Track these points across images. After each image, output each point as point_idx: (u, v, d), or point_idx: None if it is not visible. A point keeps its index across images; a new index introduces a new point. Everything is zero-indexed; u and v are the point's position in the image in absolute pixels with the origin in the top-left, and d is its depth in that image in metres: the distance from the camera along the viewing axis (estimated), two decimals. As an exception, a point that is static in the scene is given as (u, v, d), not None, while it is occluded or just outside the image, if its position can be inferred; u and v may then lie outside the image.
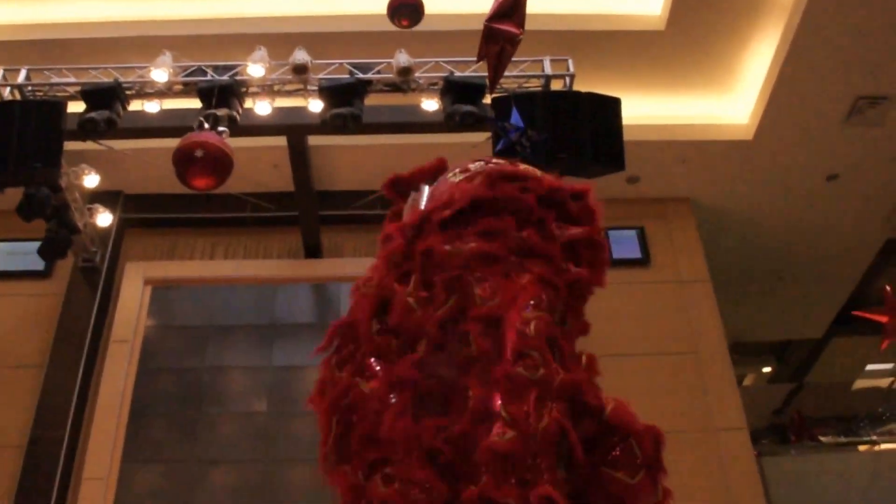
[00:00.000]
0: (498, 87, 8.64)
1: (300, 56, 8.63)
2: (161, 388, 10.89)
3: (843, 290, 15.22)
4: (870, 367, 17.44)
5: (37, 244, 9.88)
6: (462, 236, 3.27)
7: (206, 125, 8.09)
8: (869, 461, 11.82)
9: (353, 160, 11.36)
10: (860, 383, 17.28)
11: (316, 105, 8.92)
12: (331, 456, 2.96)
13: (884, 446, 11.87)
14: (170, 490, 10.19)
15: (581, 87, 8.88)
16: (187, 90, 8.77)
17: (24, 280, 11.26)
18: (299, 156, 10.38)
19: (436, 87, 8.96)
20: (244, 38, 9.46)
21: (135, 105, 8.94)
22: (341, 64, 8.93)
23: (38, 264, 10.90)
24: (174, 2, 10.11)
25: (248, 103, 8.94)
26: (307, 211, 11.21)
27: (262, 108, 8.97)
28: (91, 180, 9.94)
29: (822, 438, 13.11)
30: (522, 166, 3.64)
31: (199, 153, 7.41)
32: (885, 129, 11.20)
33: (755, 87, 10.91)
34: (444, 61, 8.95)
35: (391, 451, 2.74)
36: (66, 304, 10.90)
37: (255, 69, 8.67)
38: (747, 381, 19.10)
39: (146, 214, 11.72)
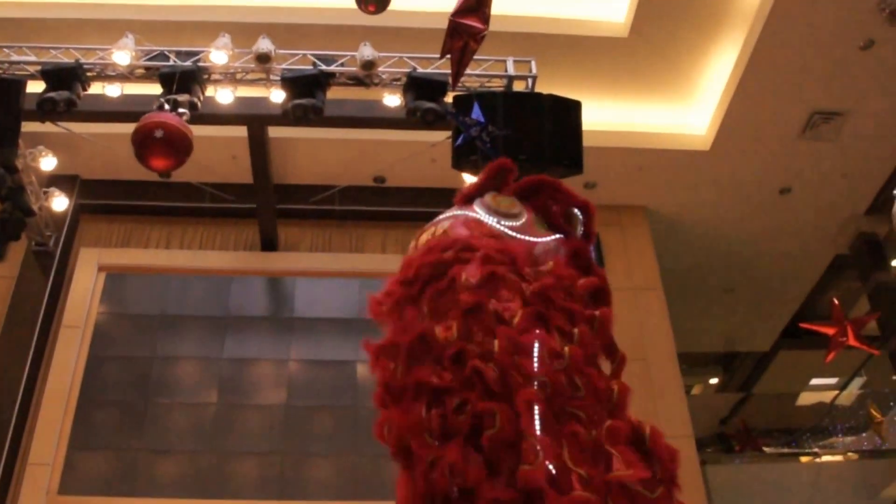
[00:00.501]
0: (460, 85, 8.71)
1: (264, 45, 8.64)
2: (111, 375, 10.80)
3: (791, 304, 15.45)
4: (815, 381, 17.71)
5: (-10, 226, 9.77)
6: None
7: (167, 107, 8.05)
8: (810, 472, 12.02)
9: (312, 154, 11.37)
10: (805, 396, 17.55)
11: (278, 95, 8.93)
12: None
13: (825, 458, 12.08)
14: (116, 478, 10.10)
15: (543, 89, 8.95)
16: (149, 74, 8.74)
17: (-25, 262, 11.12)
18: (259, 147, 10.38)
19: (398, 83, 9.00)
20: (209, 25, 9.46)
21: (95, 88, 8.90)
22: (305, 55, 8.95)
23: (-9, 246, 10.76)
24: (140, -14, 10.11)
25: (209, 91, 8.93)
26: (265, 203, 11.20)
27: (223, 96, 8.95)
28: (48, 163, 9.87)
29: (766, 449, 13.31)
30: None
31: (158, 133, 7.38)
32: (839, 145, 11.42)
33: (714, 98, 11.09)
34: (407, 57, 9.00)
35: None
36: (17, 287, 10.78)
37: (218, 56, 8.65)
38: (695, 391, 19.30)
39: (103, 200, 11.65)
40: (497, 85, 9.16)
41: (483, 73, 9.13)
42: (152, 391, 10.74)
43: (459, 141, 7.05)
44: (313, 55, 8.94)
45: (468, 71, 8.46)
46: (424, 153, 10.38)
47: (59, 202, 10.53)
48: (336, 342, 11.33)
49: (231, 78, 8.93)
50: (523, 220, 3.29)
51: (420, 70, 8.93)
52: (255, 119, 9.70)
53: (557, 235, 3.31)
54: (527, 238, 3.23)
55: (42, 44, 9.09)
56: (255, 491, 10.19)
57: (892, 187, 10.62)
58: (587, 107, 8.91)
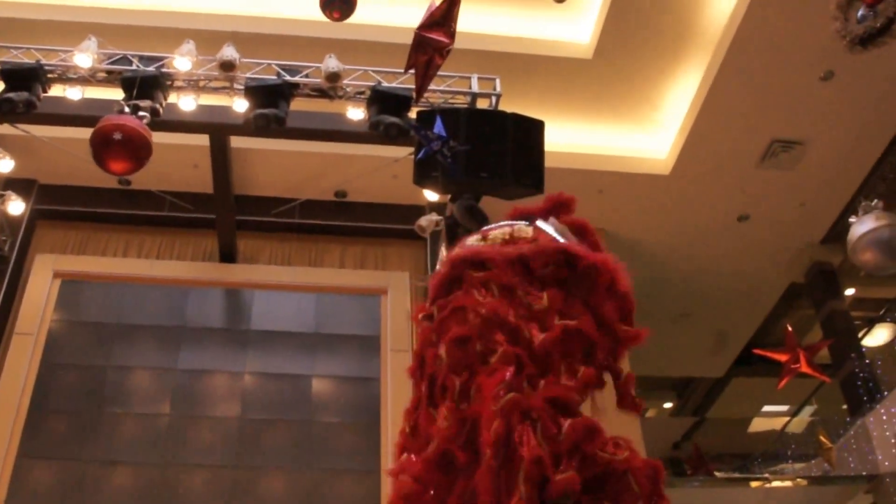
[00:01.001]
0: (424, 100, 8.72)
1: (228, 52, 8.60)
2: (63, 384, 10.64)
3: (746, 331, 15.59)
4: (767, 407, 17.91)
5: (-57, 227, 9.65)
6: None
7: (127, 109, 7.98)
8: (760, 497, 12.10)
9: (274, 166, 11.34)
10: (757, 422, 17.70)
11: (241, 104, 8.88)
12: None
13: (775, 484, 12.15)
14: (65, 489, 9.93)
15: (506, 108, 8.92)
16: (111, 78, 8.65)
17: (-73, 265, 10.95)
18: (220, 157, 10.31)
19: (362, 97, 9.00)
20: (174, 31, 9.43)
21: (56, 90, 8.80)
22: (269, 64, 8.92)
23: (-56, 249, 10.62)
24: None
25: (172, 97, 8.86)
26: (225, 214, 11.12)
27: (186, 103, 8.89)
28: (5, 165, 9.74)
29: (717, 473, 13.38)
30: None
31: (117, 136, 7.31)
32: (797, 174, 11.58)
33: (675, 123, 11.21)
34: (373, 70, 9.00)
35: None
36: (-31, 292, 10.63)
37: (182, 62, 8.60)
38: (649, 415, 19.39)
39: (60, 206, 11.52)
40: (461, 101, 9.18)
41: (447, 89, 9.16)
42: (105, 401, 10.59)
43: (420, 155, 7.05)
44: (278, 65, 8.92)
45: (432, 86, 8.50)
46: (386, 168, 10.39)
47: (15, 206, 10.38)
48: (292, 356, 11.27)
49: (194, 85, 8.88)
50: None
51: (385, 84, 8.94)
52: (217, 128, 9.63)
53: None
54: None
55: (2, 43, 8.98)
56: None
57: (848, 217, 10.78)
58: (550, 127, 8.83)
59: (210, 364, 11.12)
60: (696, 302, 14.45)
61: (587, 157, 11.41)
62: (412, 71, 6.58)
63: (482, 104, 9.23)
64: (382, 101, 8.81)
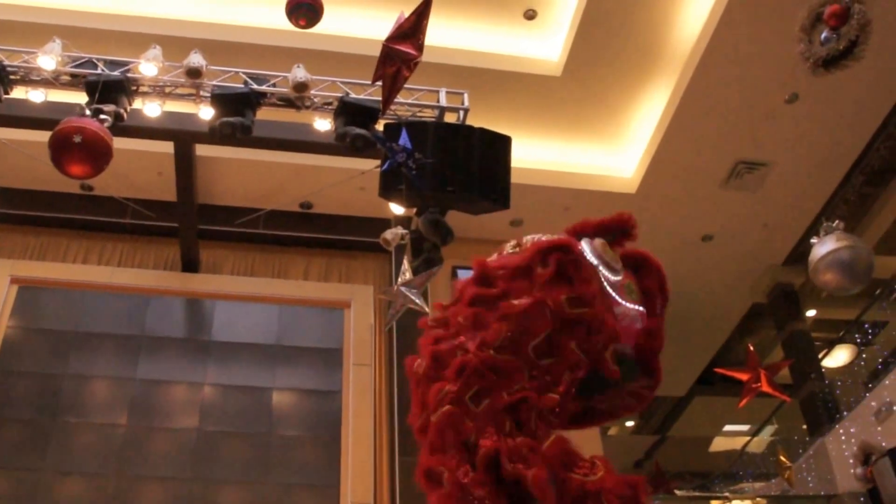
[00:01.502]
0: (392, 113, 8.69)
1: (195, 59, 8.49)
2: (18, 391, 10.49)
3: (708, 350, 15.67)
4: (728, 427, 17.98)
5: None
6: None
7: (88, 112, 7.84)
8: (720, 515, 12.16)
9: (239, 175, 11.26)
10: (718, 441, 17.79)
11: (206, 112, 8.76)
12: None
13: (735, 503, 12.22)
14: (18, 498, 9.77)
15: (474, 122, 8.94)
16: (75, 82, 8.49)
17: None
18: (185, 164, 10.22)
19: (330, 108, 8.92)
20: (140, 37, 9.30)
21: (18, 92, 8.62)
22: (237, 73, 8.82)
23: None
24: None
25: (137, 103, 8.73)
26: (188, 223, 11.03)
27: (151, 109, 8.76)
28: (-37, 167, 9.57)
29: (678, 492, 13.38)
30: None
31: (77, 138, 7.16)
32: (761, 195, 11.67)
33: (642, 142, 11.26)
34: (341, 81, 8.93)
35: None
36: (-77, 296, 10.44)
37: (148, 67, 8.47)
38: (612, 432, 19.42)
39: (19, 210, 11.36)
40: (429, 115, 9.14)
41: (415, 102, 9.11)
42: (60, 409, 10.44)
43: (385, 166, 7.02)
44: (245, 73, 8.83)
45: (400, 99, 8.47)
46: (353, 181, 10.33)
47: (-27, 210, 10.21)
48: (253, 368, 11.18)
49: (160, 91, 8.74)
50: (620, 277, 3.43)
51: (353, 95, 8.88)
52: (182, 135, 9.53)
53: (641, 308, 3.47)
54: (614, 296, 3.36)
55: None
56: (160, 516, 9.97)
57: (810, 239, 10.85)
58: (517, 143, 8.95)
59: (169, 374, 11.00)
60: (659, 321, 14.45)
61: (554, 173, 11.45)
62: (380, 83, 6.56)
63: (450, 118, 9.19)
64: (350, 112, 8.74)
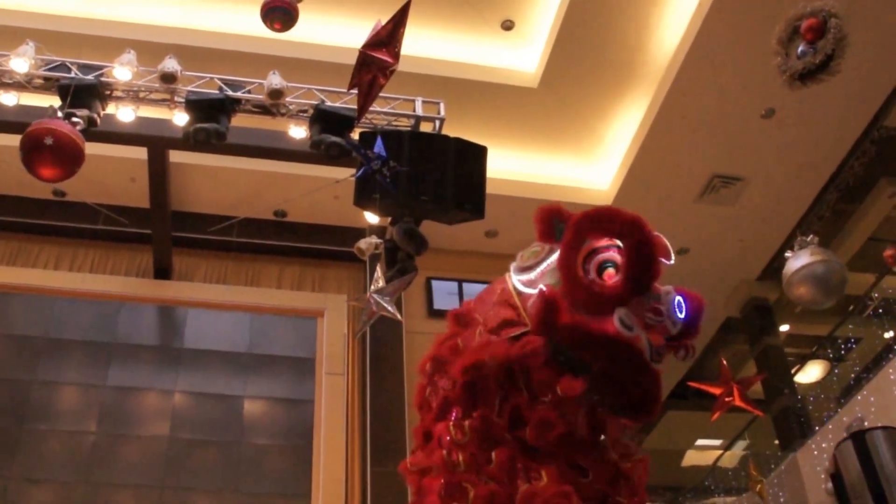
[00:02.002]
0: (367, 121, 8.67)
1: (170, 65, 8.44)
2: (-15, 398, 10.35)
3: (681, 364, 15.66)
4: (700, 441, 17.99)
5: None
6: None
7: (60, 115, 7.76)
8: (691, 529, 12.15)
9: (213, 182, 11.19)
10: (690, 455, 17.79)
11: (181, 118, 8.71)
12: None
13: (706, 517, 12.26)
14: (-18, 506, 9.66)
15: (450, 132, 8.92)
16: (48, 85, 8.43)
17: None
18: (158, 171, 10.15)
19: (305, 115, 8.89)
20: (115, 41, 9.26)
21: (-11, 96, 8.55)
22: (212, 79, 8.77)
23: None
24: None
25: (111, 108, 8.66)
26: (161, 230, 10.95)
27: (124, 114, 8.68)
28: (-68, 171, 9.45)
29: (649, 505, 13.44)
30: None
31: (48, 140, 7.09)
32: (737, 209, 11.71)
33: (618, 155, 11.28)
34: (316, 89, 8.90)
35: None
36: None
37: (122, 72, 8.41)
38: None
39: (-10, 216, 11.22)
40: (404, 124, 9.12)
41: (391, 111, 9.10)
42: (29, 416, 10.32)
43: (359, 174, 6.98)
44: (220, 79, 8.78)
45: (377, 108, 8.45)
46: (327, 189, 10.28)
47: (-57, 214, 10.09)
48: (224, 376, 11.10)
49: (134, 96, 8.68)
50: (532, 275, 3.50)
51: (328, 103, 8.84)
52: (155, 140, 9.44)
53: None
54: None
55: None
56: (129, 524, 9.86)
57: (784, 254, 10.91)
58: (493, 154, 8.92)
59: (140, 382, 10.91)
60: (633, 333, 14.45)
61: (529, 185, 11.43)
62: (356, 90, 6.51)
63: (426, 128, 9.19)
64: (325, 120, 8.71)
